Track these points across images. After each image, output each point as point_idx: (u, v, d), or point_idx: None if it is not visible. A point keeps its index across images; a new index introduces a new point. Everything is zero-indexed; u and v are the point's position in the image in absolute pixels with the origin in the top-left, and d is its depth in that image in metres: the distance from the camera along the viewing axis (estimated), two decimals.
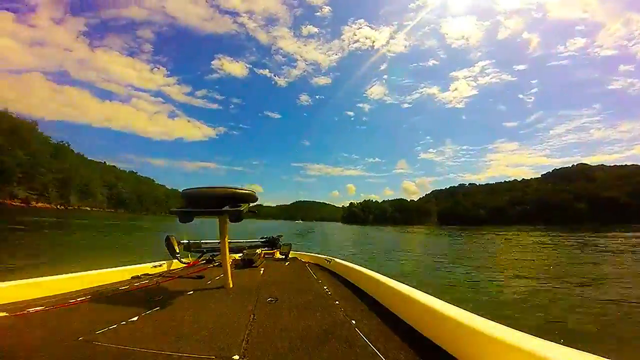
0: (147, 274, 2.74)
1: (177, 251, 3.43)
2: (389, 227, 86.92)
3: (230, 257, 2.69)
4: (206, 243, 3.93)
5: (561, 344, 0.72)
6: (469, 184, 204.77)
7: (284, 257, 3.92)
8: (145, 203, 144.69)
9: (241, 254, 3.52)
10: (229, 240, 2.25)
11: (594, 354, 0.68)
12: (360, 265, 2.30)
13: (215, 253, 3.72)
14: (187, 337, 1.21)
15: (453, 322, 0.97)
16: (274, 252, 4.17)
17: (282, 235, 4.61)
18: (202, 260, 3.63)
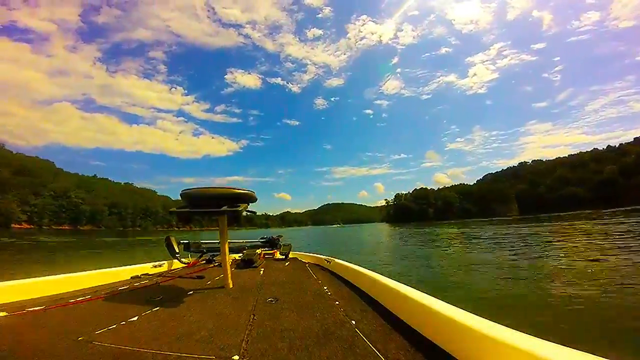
0: (147, 274, 2.74)
1: (177, 251, 3.43)
2: (462, 223, 59.26)
3: (230, 257, 2.69)
4: (206, 243, 3.93)
5: (560, 344, 0.72)
6: (532, 161, 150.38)
7: (284, 257, 3.93)
8: (129, 215, 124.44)
9: (241, 254, 3.53)
10: (229, 240, 2.25)
11: (592, 354, 0.68)
12: (361, 266, 2.30)
13: (215, 253, 3.72)
14: (187, 337, 1.21)
15: (453, 322, 0.97)
16: (274, 252, 4.17)
17: (281, 236, 4.61)
18: (202, 260, 3.64)
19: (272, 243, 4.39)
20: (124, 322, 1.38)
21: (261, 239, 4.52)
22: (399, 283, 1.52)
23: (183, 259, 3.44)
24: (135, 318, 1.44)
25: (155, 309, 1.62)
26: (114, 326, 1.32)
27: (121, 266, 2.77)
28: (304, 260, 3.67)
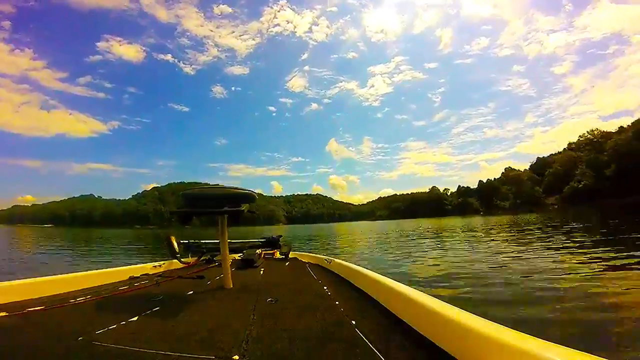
0: (147, 274, 2.74)
1: (177, 251, 3.43)
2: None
3: (230, 257, 2.70)
4: (206, 243, 3.93)
5: (561, 344, 0.72)
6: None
7: (284, 257, 3.92)
8: None
9: (241, 254, 3.53)
10: (229, 241, 2.25)
11: (592, 353, 0.68)
12: (360, 266, 2.30)
13: (215, 253, 3.72)
14: (187, 337, 1.21)
15: (453, 323, 0.97)
16: (273, 252, 4.17)
17: (281, 236, 4.61)
18: (202, 260, 3.64)
19: (272, 243, 4.39)
20: (124, 322, 1.38)
21: (261, 239, 4.52)
22: (399, 283, 1.52)
23: (183, 259, 3.44)
24: (135, 318, 1.44)
25: (155, 309, 1.62)
26: (114, 326, 1.32)
27: (121, 266, 2.77)
28: (303, 260, 3.67)
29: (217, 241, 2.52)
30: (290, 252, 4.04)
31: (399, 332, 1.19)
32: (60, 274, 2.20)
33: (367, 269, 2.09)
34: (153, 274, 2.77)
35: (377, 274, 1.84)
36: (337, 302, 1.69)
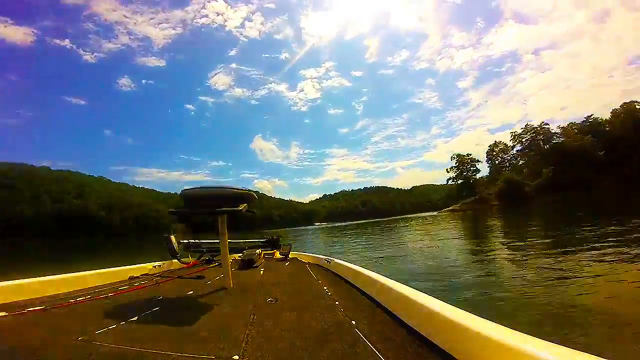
0: (147, 274, 2.75)
1: (177, 251, 3.43)
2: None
3: (230, 257, 2.70)
4: (206, 243, 3.93)
5: (560, 344, 0.73)
6: None
7: (284, 257, 3.92)
8: None
9: (241, 254, 3.52)
10: (229, 240, 2.25)
11: (592, 353, 0.68)
12: (360, 266, 2.30)
13: (215, 253, 3.72)
14: (187, 337, 1.21)
15: (453, 323, 0.97)
16: (274, 253, 4.17)
17: (281, 236, 4.61)
18: (202, 260, 3.64)
19: (272, 243, 4.39)
20: (124, 322, 1.38)
21: (261, 239, 4.52)
22: (399, 283, 1.52)
23: (183, 259, 3.44)
24: (135, 318, 1.44)
25: (155, 309, 1.62)
26: (114, 326, 1.32)
27: (121, 266, 2.77)
28: (303, 261, 3.67)
29: (217, 241, 2.52)
30: (290, 252, 4.04)
31: (399, 332, 1.19)
32: (60, 274, 2.20)
33: (367, 269, 2.09)
34: (153, 274, 2.77)
35: (377, 274, 1.84)
36: (337, 302, 1.69)
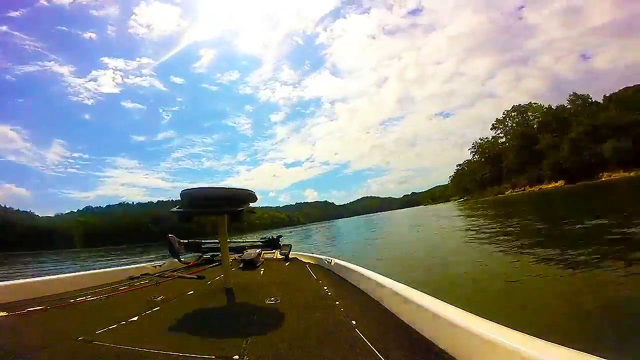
0: (147, 274, 2.75)
1: (177, 251, 3.43)
2: None
3: (231, 257, 2.70)
4: (206, 243, 3.93)
5: (560, 344, 0.72)
6: None
7: (284, 257, 3.92)
8: None
9: (241, 254, 3.53)
10: (229, 240, 2.25)
11: (592, 353, 0.68)
12: (361, 266, 2.30)
13: (215, 253, 3.72)
14: (187, 337, 1.21)
15: (453, 323, 0.97)
16: (274, 253, 4.17)
17: (282, 236, 4.61)
18: (202, 260, 3.64)
19: (272, 243, 4.39)
20: (124, 322, 1.38)
21: (261, 239, 4.52)
22: (399, 283, 1.52)
23: (183, 259, 3.44)
24: (136, 318, 1.45)
25: (156, 309, 1.63)
26: (114, 326, 1.32)
27: (121, 266, 2.77)
28: (304, 261, 3.67)
29: (217, 241, 2.53)
30: (291, 252, 4.04)
31: (399, 332, 1.19)
32: (60, 274, 2.21)
33: (367, 269, 2.09)
34: (153, 274, 2.77)
35: (377, 274, 1.84)
36: (337, 302, 1.69)
